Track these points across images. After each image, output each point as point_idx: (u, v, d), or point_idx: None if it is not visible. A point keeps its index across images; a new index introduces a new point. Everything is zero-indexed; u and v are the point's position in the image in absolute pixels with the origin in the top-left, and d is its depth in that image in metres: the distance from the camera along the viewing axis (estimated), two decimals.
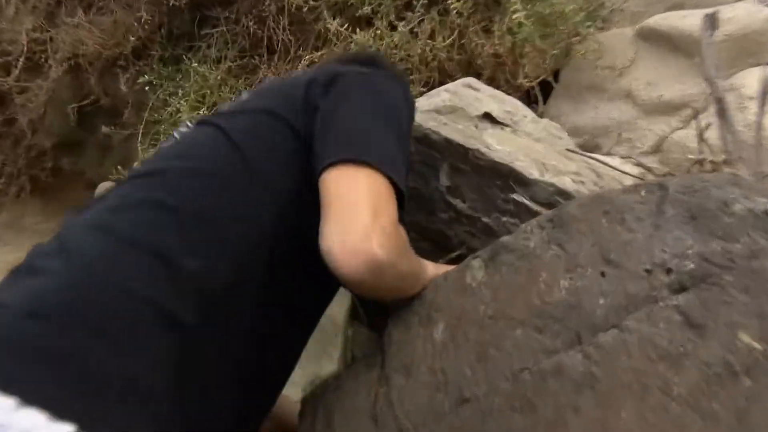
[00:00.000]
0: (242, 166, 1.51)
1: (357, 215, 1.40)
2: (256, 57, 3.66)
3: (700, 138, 2.20)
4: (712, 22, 2.43)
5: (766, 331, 1.21)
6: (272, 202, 1.52)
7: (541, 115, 3.36)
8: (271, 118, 1.61)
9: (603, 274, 1.41)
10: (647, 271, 1.36)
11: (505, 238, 1.61)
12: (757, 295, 1.24)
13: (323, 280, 1.46)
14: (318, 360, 2.27)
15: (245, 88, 3.56)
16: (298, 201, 1.54)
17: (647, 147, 3.06)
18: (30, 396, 1.08)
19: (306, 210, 1.50)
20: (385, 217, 1.43)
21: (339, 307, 2.45)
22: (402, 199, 1.53)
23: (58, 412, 1.08)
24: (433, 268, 1.71)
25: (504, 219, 2.25)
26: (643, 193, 1.47)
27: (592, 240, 1.46)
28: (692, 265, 1.32)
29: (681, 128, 2.91)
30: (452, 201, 2.29)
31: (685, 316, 1.28)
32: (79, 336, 1.18)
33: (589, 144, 3.26)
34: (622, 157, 2.97)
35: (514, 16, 3.13)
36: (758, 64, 2.81)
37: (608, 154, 3.08)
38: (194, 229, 1.39)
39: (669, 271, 1.34)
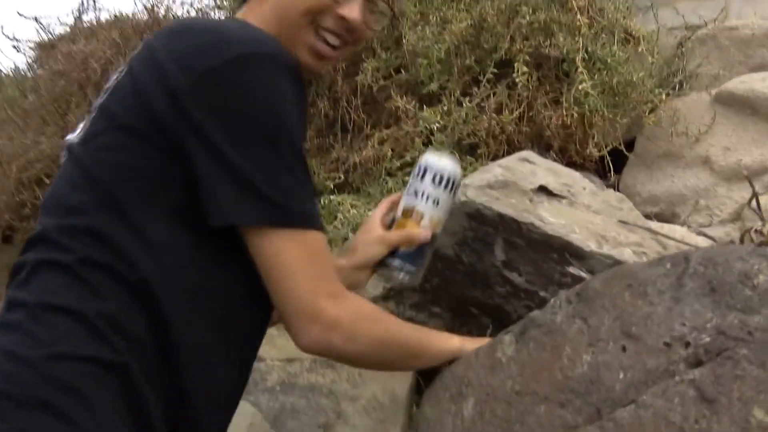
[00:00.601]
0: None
1: (299, 299, 1.41)
2: (331, 136, 3.78)
3: (757, 210, 2.20)
4: None
5: None
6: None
7: (615, 185, 3.38)
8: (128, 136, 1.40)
9: (624, 349, 1.44)
10: (666, 344, 1.39)
11: (534, 313, 1.66)
12: None
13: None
14: None
15: (321, 167, 3.67)
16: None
17: (726, 215, 3.05)
18: None
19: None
20: (323, 288, 1.43)
21: (401, 384, 2.49)
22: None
23: None
24: (459, 342, 1.74)
25: (563, 291, 2.29)
26: (668, 265, 1.51)
27: (614, 314, 1.50)
28: (708, 339, 1.34)
29: (762, 194, 2.89)
30: (508, 275, 2.32)
31: (700, 391, 1.30)
32: None
33: (665, 213, 3.26)
34: (702, 227, 2.97)
35: (580, 87, 3.18)
36: None
37: (684, 223, 3.08)
38: None
39: (687, 344, 1.37)
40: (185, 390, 1.36)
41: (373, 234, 1.84)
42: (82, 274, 1.30)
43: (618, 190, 3.32)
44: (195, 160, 1.33)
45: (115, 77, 1.52)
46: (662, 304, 1.44)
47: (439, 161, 1.79)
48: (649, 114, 3.38)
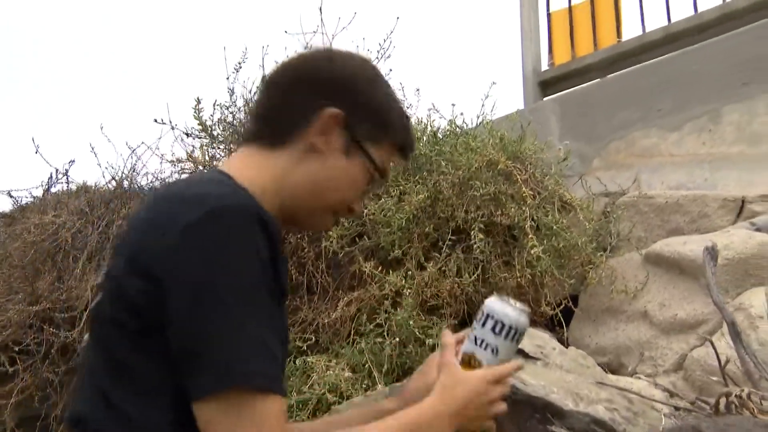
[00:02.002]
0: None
1: None
2: (298, 298, 3.78)
3: (722, 369, 2.29)
4: (712, 254, 2.57)
5: None
6: None
7: (566, 339, 3.47)
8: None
9: None
10: None
11: None
12: None
13: None
14: None
15: (290, 328, 3.67)
16: None
17: (669, 365, 3.14)
18: None
19: None
20: None
21: None
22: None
23: None
24: (448, 421, 1.48)
25: None
26: None
27: None
28: None
29: (699, 346, 3.00)
30: None
31: None
32: None
33: (613, 363, 3.34)
34: (649, 377, 3.04)
35: (532, 251, 3.29)
36: (760, 284, 2.93)
37: (633, 373, 3.16)
38: None
39: None
40: None
41: (428, 380, 1.67)
42: None
43: (567, 343, 3.41)
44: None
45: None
46: None
47: (502, 309, 1.61)
48: (590, 273, 3.50)
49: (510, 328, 1.58)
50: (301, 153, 1.43)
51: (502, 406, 1.54)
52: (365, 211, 3.61)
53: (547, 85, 5.51)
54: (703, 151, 4.21)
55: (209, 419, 1.19)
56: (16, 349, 4.39)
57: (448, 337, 1.59)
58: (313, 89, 1.45)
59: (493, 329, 1.59)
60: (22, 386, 4.34)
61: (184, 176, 4.49)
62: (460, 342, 1.65)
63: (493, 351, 1.59)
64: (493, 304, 1.60)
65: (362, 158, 1.47)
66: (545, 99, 5.35)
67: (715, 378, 2.57)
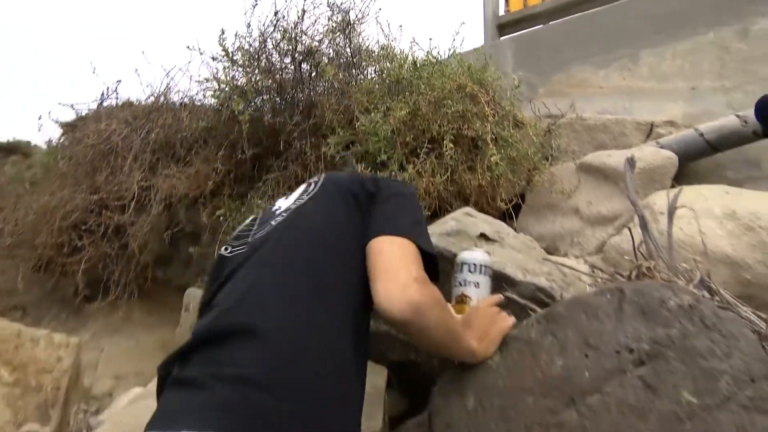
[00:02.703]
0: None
1: (396, 274, 1.42)
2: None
3: (635, 249, 2.37)
4: (631, 164, 2.63)
5: (699, 390, 1.37)
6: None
7: (515, 229, 3.54)
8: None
9: (586, 355, 1.56)
10: (617, 351, 1.52)
11: (513, 332, 1.76)
12: (690, 364, 1.41)
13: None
14: (368, 419, 2.34)
15: None
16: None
17: (592, 248, 3.23)
18: None
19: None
20: (416, 272, 1.43)
21: (380, 380, 2.53)
22: (435, 263, 1.58)
23: None
24: (476, 343, 1.68)
25: (535, 310, 2.38)
26: (608, 296, 1.64)
27: (576, 330, 1.62)
28: (647, 347, 1.48)
29: (615, 235, 3.09)
30: None
31: (645, 382, 1.44)
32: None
33: (550, 247, 3.43)
34: (577, 257, 3.13)
35: (491, 158, 3.33)
36: (663, 188, 3.02)
37: (565, 255, 3.25)
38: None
39: (631, 350, 1.50)
40: None
41: None
42: None
43: (516, 231, 3.49)
44: None
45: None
46: (610, 323, 1.57)
47: (471, 255, 1.87)
48: (536, 177, 3.56)
49: (481, 266, 1.84)
50: None
51: (510, 321, 1.77)
52: (357, 123, 3.63)
53: (503, 27, 5.49)
54: (624, 84, 4.27)
55: (399, 247, 1.53)
56: (83, 228, 4.45)
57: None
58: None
59: (470, 270, 1.84)
60: (87, 257, 4.41)
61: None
62: None
63: (475, 285, 1.82)
64: (465, 253, 1.89)
65: None
66: (502, 38, 5.34)
67: (627, 258, 2.65)
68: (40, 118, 5.05)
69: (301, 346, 1.29)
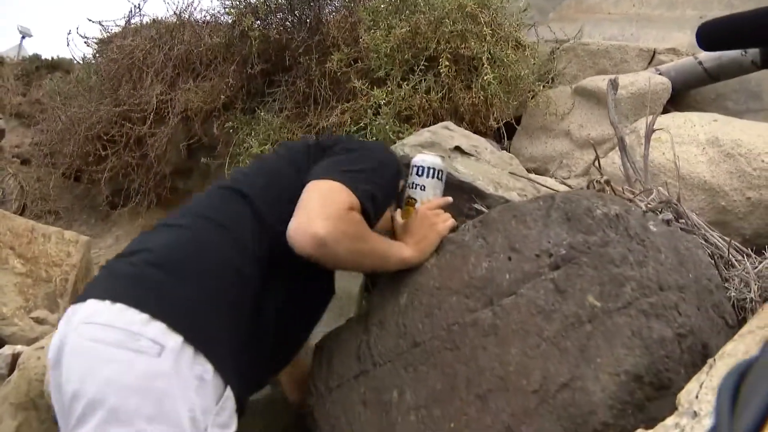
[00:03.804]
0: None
1: (307, 208, 1.43)
2: (306, 107, 3.79)
3: (598, 166, 2.30)
4: (614, 85, 2.53)
5: (604, 294, 1.34)
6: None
7: (507, 148, 3.47)
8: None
9: (509, 258, 1.53)
10: (537, 255, 1.49)
11: (449, 235, 1.73)
12: (601, 270, 1.37)
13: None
14: (336, 322, 2.38)
15: (298, 130, 3.69)
16: None
17: (580, 170, 3.15)
18: (155, 314, 1.22)
19: None
20: (331, 207, 1.43)
21: (354, 284, 2.55)
22: (370, 212, 1.55)
23: (173, 326, 1.23)
24: (411, 249, 1.69)
25: (471, 220, 2.37)
26: (540, 203, 1.60)
27: (504, 234, 1.58)
28: (563, 251, 1.44)
29: (602, 157, 3.00)
30: None
31: (556, 285, 1.40)
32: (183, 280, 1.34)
33: (540, 168, 3.35)
34: (555, 178, 3.06)
35: (485, 77, 3.24)
36: (652, 113, 2.90)
37: (552, 175, 3.18)
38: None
39: (550, 255, 1.47)
40: None
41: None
42: None
43: (510, 152, 3.41)
44: None
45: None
46: (536, 228, 1.53)
47: (421, 158, 1.83)
48: (531, 99, 3.46)
49: (429, 168, 1.79)
50: None
51: (450, 222, 1.76)
52: (361, 39, 3.56)
53: None
54: (633, 11, 4.09)
55: (322, 186, 1.51)
56: (105, 138, 4.49)
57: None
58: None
59: (418, 173, 1.79)
60: (110, 166, 4.47)
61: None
62: None
63: (421, 188, 1.79)
64: (416, 157, 1.84)
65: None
66: None
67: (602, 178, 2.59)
68: (69, 33, 5.06)
69: (201, 264, 1.40)
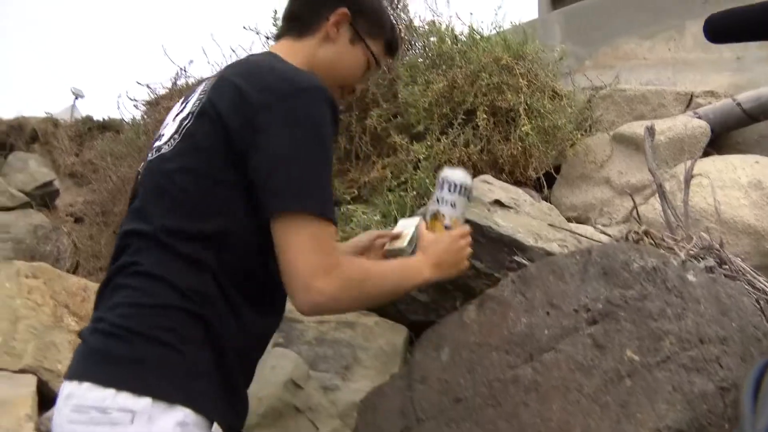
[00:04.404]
0: None
1: (295, 278, 1.26)
2: (348, 163, 3.87)
3: (636, 216, 2.32)
4: (650, 132, 2.56)
5: (643, 349, 1.35)
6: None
7: (547, 198, 3.49)
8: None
9: (548, 314, 1.56)
10: (575, 310, 1.51)
11: (489, 290, 1.76)
12: (639, 324, 1.39)
13: None
14: (381, 377, 2.39)
15: (341, 185, 3.77)
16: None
17: (620, 217, 3.16)
18: (119, 386, 1.19)
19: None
20: (314, 263, 1.26)
21: (398, 337, 2.57)
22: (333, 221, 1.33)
23: (138, 392, 1.19)
24: (429, 271, 1.51)
25: (510, 273, 2.39)
26: (577, 257, 1.63)
27: (543, 290, 1.61)
28: (601, 306, 1.47)
29: (642, 204, 3.01)
30: (474, 263, 2.38)
31: (594, 340, 1.42)
32: None
33: (581, 216, 3.37)
34: (596, 226, 3.07)
35: (523, 129, 3.29)
36: (692, 158, 2.91)
37: (593, 223, 3.18)
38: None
39: (588, 310, 1.49)
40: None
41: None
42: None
43: (550, 202, 3.44)
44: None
45: (195, 100, 1.41)
46: (573, 283, 1.56)
47: (452, 174, 1.69)
48: (570, 148, 3.49)
49: (461, 186, 1.67)
50: (320, 41, 1.49)
51: (470, 253, 1.61)
52: (399, 95, 3.65)
53: (556, 0, 5.37)
54: (669, 56, 4.13)
55: (300, 233, 1.25)
56: None
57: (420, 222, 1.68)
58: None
59: (449, 189, 1.67)
60: None
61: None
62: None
63: (452, 205, 1.66)
64: (447, 172, 1.69)
65: (363, 48, 1.52)
66: (552, 12, 5.21)
67: (643, 226, 2.59)
68: (119, 97, 5.29)
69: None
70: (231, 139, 1.28)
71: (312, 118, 1.28)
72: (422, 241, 1.60)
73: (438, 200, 1.70)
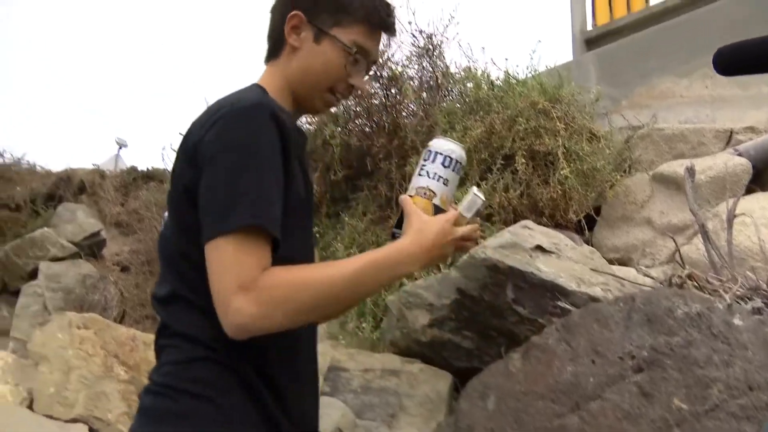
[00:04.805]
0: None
1: (218, 301, 1.17)
2: (389, 210, 3.92)
3: (679, 259, 2.32)
4: (691, 172, 2.56)
5: (690, 397, 1.36)
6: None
7: (589, 240, 3.49)
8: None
9: (593, 362, 1.58)
10: (620, 358, 1.53)
11: (534, 338, 1.78)
12: (685, 372, 1.39)
13: None
14: (427, 425, 2.40)
15: (382, 232, 3.81)
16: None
17: (663, 258, 3.14)
18: None
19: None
20: (233, 284, 1.15)
21: (444, 385, 2.59)
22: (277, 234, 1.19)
23: None
24: (419, 259, 1.24)
25: (554, 319, 2.39)
26: (621, 304, 1.64)
27: (587, 338, 1.63)
28: (646, 354, 1.48)
29: (685, 244, 3.00)
30: (517, 308, 2.42)
31: (641, 388, 1.44)
32: None
33: (623, 258, 3.35)
34: (638, 268, 3.06)
35: (562, 172, 3.31)
36: (734, 196, 2.89)
37: (636, 265, 3.17)
38: None
39: (633, 357, 1.50)
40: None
41: None
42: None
43: (591, 244, 3.44)
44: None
45: None
46: (618, 331, 1.58)
47: (448, 146, 1.39)
48: (609, 189, 3.50)
49: (455, 161, 1.37)
50: (289, 55, 1.37)
51: (459, 245, 1.33)
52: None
53: (590, 42, 5.40)
54: (706, 93, 4.12)
55: (220, 256, 1.16)
56: None
57: (404, 196, 1.31)
58: (284, 2, 1.39)
59: (443, 164, 1.37)
60: None
61: None
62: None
63: (444, 182, 1.36)
64: (441, 143, 1.39)
65: (331, 42, 1.35)
66: (586, 54, 5.24)
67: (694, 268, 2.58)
68: (164, 149, 5.42)
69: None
70: (189, 191, 1.24)
71: (238, 138, 1.20)
72: (413, 222, 1.28)
73: (428, 174, 1.38)
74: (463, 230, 1.31)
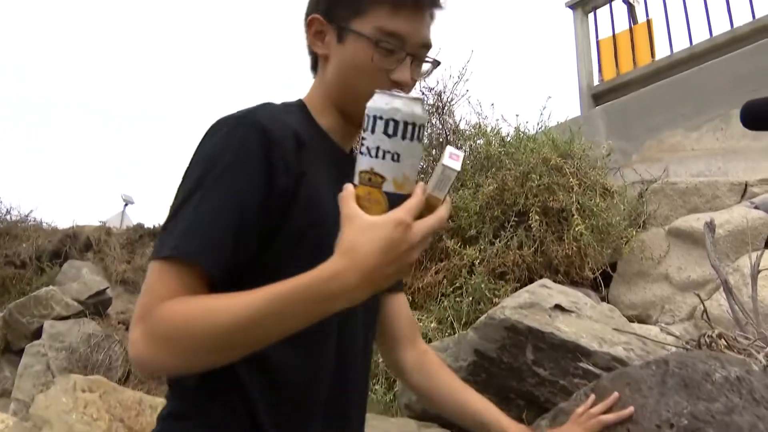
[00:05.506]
0: None
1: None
2: None
3: (706, 318, 2.27)
4: (710, 227, 2.53)
5: None
6: None
7: (605, 297, 3.45)
8: None
9: (628, 430, 1.51)
10: (657, 426, 1.46)
11: (562, 404, 1.72)
12: None
13: None
14: None
15: None
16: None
17: (683, 314, 3.09)
18: None
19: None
20: (136, 311, 1.01)
21: None
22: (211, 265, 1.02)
23: None
24: (343, 270, 0.88)
25: (576, 381, 2.33)
26: (653, 368, 1.58)
27: (619, 405, 1.56)
28: (686, 422, 1.42)
29: (705, 300, 2.95)
30: (537, 370, 2.37)
31: None
32: None
33: (642, 315, 3.30)
34: (666, 325, 3.01)
35: (576, 229, 3.28)
36: (755, 250, 2.86)
37: (656, 322, 3.12)
38: None
39: (672, 425, 1.44)
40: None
41: None
42: None
43: (608, 301, 3.39)
44: None
45: None
46: (652, 396, 1.51)
47: (389, 104, 0.91)
48: (625, 245, 3.47)
49: (405, 124, 0.91)
50: (323, 65, 1.25)
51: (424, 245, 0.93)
52: (450, 199, 3.68)
53: (597, 97, 5.46)
54: (717, 145, 4.12)
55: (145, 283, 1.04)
56: None
57: (345, 190, 0.93)
58: (307, 13, 1.26)
59: (385, 132, 0.92)
60: None
61: None
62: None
63: (393, 158, 0.91)
64: (377, 102, 0.93)
65: (353, 37, 1.18)
66: (594, 109, 5.29)
67: (712, 324, 2.53)
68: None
69: None
70: None
71: (204, 152, 1.09)
72: (344, 233, 0.90)
73: (369, 151, 0.92)
74: (428, 224, 0.90)
